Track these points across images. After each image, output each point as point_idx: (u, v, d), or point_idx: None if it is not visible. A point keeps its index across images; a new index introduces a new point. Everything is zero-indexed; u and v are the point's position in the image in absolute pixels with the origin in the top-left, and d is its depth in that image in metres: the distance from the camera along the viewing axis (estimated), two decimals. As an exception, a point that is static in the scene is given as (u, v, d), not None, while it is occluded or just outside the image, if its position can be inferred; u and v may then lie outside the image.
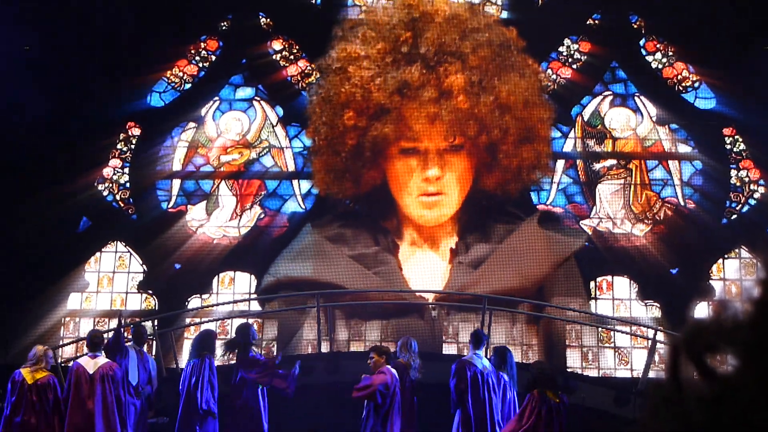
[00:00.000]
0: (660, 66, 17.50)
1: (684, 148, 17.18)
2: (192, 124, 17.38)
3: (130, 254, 16.77)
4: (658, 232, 16.57)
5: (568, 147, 17.09)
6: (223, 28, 17.95)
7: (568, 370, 15.21)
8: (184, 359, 13.93)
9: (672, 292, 15.99)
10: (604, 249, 16.40)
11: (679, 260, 16.35)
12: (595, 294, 16.36)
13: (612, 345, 16.13)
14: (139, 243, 16.76)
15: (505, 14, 17.49)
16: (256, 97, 17.57)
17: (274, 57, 17.76)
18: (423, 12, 15.83)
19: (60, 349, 15.15)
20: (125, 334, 11.59)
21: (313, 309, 14.64)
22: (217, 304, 16.36)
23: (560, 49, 17.55)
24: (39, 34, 16.00)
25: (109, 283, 16.66)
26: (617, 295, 16.36)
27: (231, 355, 10.97)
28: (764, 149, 16.71)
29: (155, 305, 16.47)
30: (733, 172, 16.90)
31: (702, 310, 15.96)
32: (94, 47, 16.67)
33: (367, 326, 15.79)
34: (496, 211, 16.27)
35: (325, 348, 14.12)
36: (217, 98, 17.57)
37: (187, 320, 16.12)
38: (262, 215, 16.89)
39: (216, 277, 16.58)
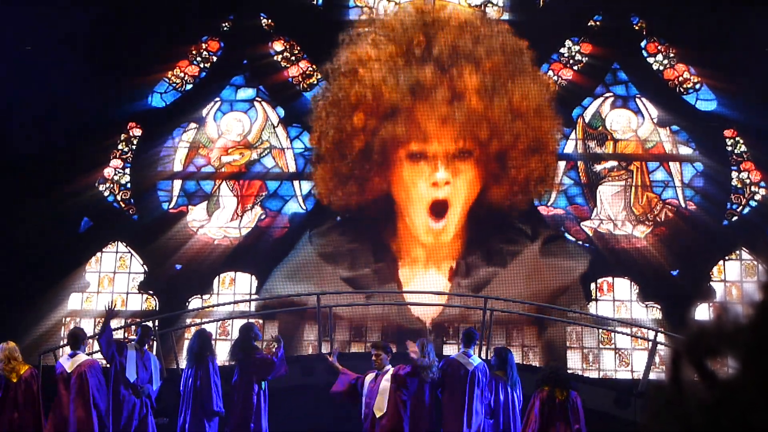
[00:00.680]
0: (661, 67, 17.49)
1: (685, 150, 17.18)
2: (193, 125, 17.39)
3: (131, 255, 16.77)
4: (659, 233, 16.57)
5: (569, 148, 17.07)
6: (225, 28, 17.95)
7: (569, 371, 15.19)
8: (184, 360, 13.94)
9: (673, 293, 15.98)
10: (605, 250, 16.39)
11: (680, 262, 16.35)
12: (596, 295, 16.36)
13: (612, 346, 16.12)
14: (139, 243, 16.76)
15: (506, 15, 17.48)
16: (257, 98, 17.57)
17: (275, 58, 17.76)
18: (436, 18, 15.85)
19: (60, 349, 15.15)
20: (125, 334, 11.61)
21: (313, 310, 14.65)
22: (218, 305, 16.36)
23: (561, 50, 17.54)
24: (41, 33, 16.01)
25: (110, 283, 16.66)
26: (618, 297, 16.36)
27: (240, 357, 10.94)
28: (765, 151, 16.70)
29: (156, 306, 16.48)
30: (734, 174, 16.89)
31: (702, 312, 15.97)
32: (95, 47, 16.66)
33: (368, 327, 15.79)
34: (500, 227, 16.20)
35: (325, 349, 14.12)
36: (218, 99, 17.58)
37: (188, 321, 16.11)
38: (263, 216, 16.89)
39: (217, 277, 16.59)
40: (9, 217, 16.05)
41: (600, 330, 15.90)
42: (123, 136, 17.36)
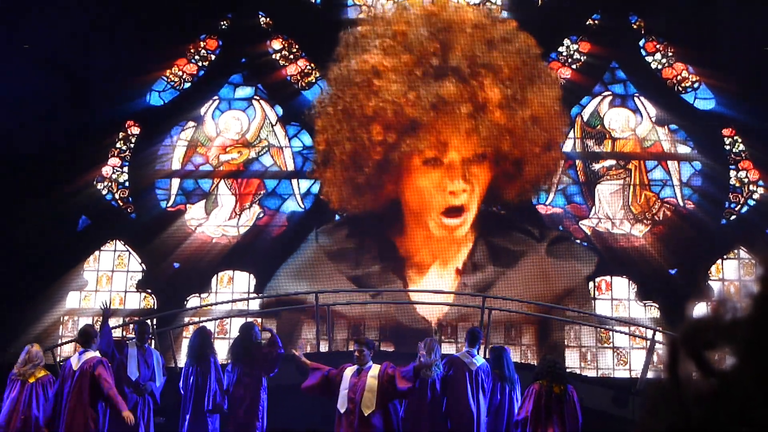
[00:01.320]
0: (659, 66, 17.50)
1: (683, 149, 17.19)
2: (191, 123, 17.39)
3: (129, 253, 16.76)
4: (657, 232, 16.57)
5: (567, 147, 17.07)
6: (223, 27, 17.95)
7: (567, 370, 15.19)
8: (182, 358, 13.93)
9: (671, 292, 15.97)
10: (603, 249, 16.39)
11: (678, 261, 16.36)
12: (594, 294, 16.36)
13: (611, 345, 16.13)
14: (138, 242, 16.75)
15: (505, 14, 17.48)
16: (255, 97, 17.57)
17: (273, 56, 17.76)
18: (447, 21, 15.77)
19: (59, 347, 15.16)
20: (123, 333, 11.60)
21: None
22: (216, 303, 16.35)
23: (560, 49, 17.55)
24: (38, 33, 15.99)
25: (108, 281, 16.65)
26: (616, 296, 16.36)
27: (243, 355, 10.93)
28: (763, 150, 16.70)
29: (154, 304, 16.47)
30: (732, 173, 16.90)
31: (701, 311, 15.94)
32: (93, 45, 16.65)
33: (366, 326, 15.79)
34: (508, 226, 16.21)
35: (324, 347, 14.12)
36: (216, 97, 17.58)
37: (186, 319, 16.12)
38: (261, 214, 16.89)
39: (215, 276, 16.58)
40: (7, 216, 16.03)
41: (598, 329, 15.89)
42: (121, 135, 17.35)
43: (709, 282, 16.29)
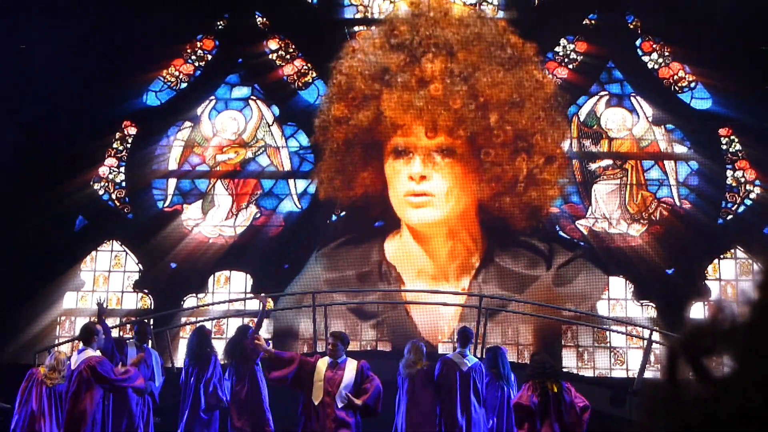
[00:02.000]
0: (656, 66, 17.51)
1: (680, 149, 17.20)
2: (188, 123, 17.38)
3: (126, 253, 16.76)
4: (654, 232, 16.59)
5: (564, 147, 17.06)
6: (220, 27, 17.95)
7: (564, 370, 15.20)
8: (179, 358, 13.93)
9: (668, 292, 15.99)
10: (600, 249, 16.39)
11: (675, 260, 16.37)
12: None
13: (607, 345, 16.14)
14: (134, 242, 16.74)
15: (501, 14, 17.50)
16: (252, 97, 17.56)
17: (270, 56, 17.76)
18: (423, 10, 15.85)
19: (56, 348, 15.14)
20: (120, 333, 11.60)
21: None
22: (213, 303, 16.35)
23: (556, 49, 17.55)
24: (35, 33, 15.98)
25: (105, 282, 16.64)
26: (613, 295, 16.36)
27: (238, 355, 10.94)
28: (760, 149, 16.72)
29: (151, 304, 16.46)
30: (729, 173, 16.92)
31: (697, 311, 15.99)
32: (91, 45, 16.64)
33: (362, 325, 15.78)
34: (509, 241, 16.08)
35: (321, 347, 14.11)
36: (213, 97, 17.57)
37: (183, 319, 16.12)
38: (258, 215, 16.88)
39: (212, 276, 16.58)
40: (4, 216, 16.01)
41: (595, 329, 15.90)
42: (118, 135, 17.34)
43: (706, 282, 16.30)
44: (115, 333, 14.14)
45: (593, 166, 17.02)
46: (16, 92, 15.64)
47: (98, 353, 9.93)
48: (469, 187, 15.67)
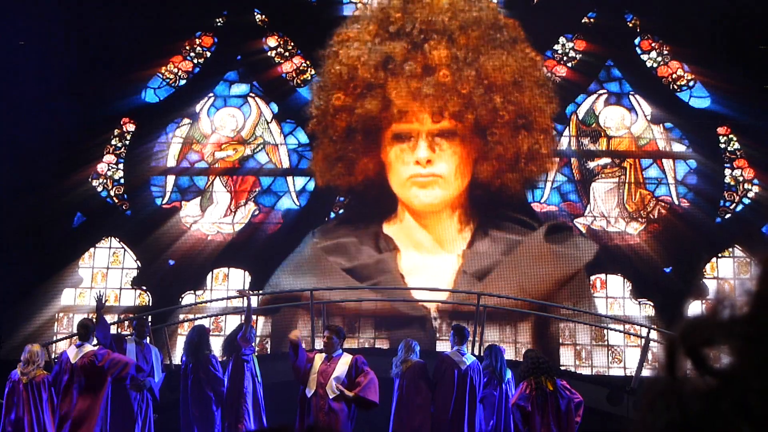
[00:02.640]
0: (655, 65, 17.52)
1: (678, 147, 17.20)
2: (186, 120, 17.37)
3: (124, 250, 16.74)
4: (652, 230, 16.59)
5: (562, 145, 17.08)
6: (218, 24, 17.93)
7: (562, 368, 15.21)
8: (177, 355, 13.92)
9: (666, 290, 16.00)
10: (598, 247, 16.39)
11: (673, 259, 16.37)
12: (589, 292, 16.35)
13: (605, 343, 16.14)
14: (133, 239, 16.73)
15: (500, 12, 17.47)
16: (250, 94, 17.55)
17: (269, 53, 17.75)
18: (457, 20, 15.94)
19: (54, 344, 15.14)
20: (118, 330, 11.60)
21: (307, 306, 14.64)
22: (211, 300, 16.33)
23: (555, 47, 17.55)
24: (34, 30, 15.96)
25: (103, 278, 16.63)
26: (611, 294, 16.37)
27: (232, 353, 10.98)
28: (758, 148, 16.73)
29: (149, 301, 16.45)
30: (728, 171, 16.92)
31: (696, 309, 15.99)
32: (89, 41, 16.63)
33: (361, 322, 15.79)
34: (501, 215, 16.18)
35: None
36: (211, 94, 17.56)
37: (181, 316, 16.10)
38: (257, 212, 16.88)
39: (210, 273, 16.57)
40: (2, 212, 15.99)
41: (593, 327, 15.90)
42: (116, 132, 17.33)
43: (704, 280, 16.30)
44: (113, 330, 14.17)
45: (591, 165, 17.03)
46: (13, 89, 15.60)
47: (96, 347, 9.94)
48: (473, 168, 15.81)
